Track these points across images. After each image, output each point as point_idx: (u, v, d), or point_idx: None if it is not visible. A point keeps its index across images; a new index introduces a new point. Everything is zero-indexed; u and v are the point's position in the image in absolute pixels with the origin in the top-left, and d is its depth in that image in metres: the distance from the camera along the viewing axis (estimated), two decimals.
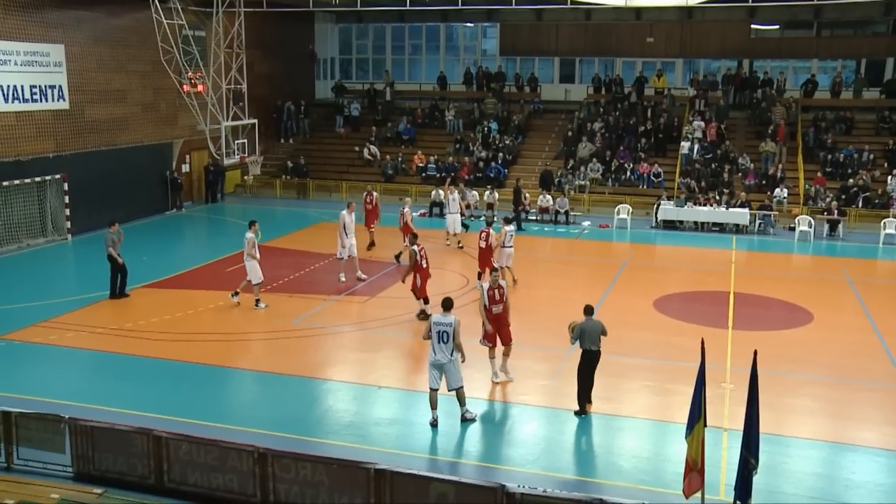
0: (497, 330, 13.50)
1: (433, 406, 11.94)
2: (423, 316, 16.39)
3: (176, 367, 14.28)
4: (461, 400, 12.06)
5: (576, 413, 12.32)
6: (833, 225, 26.99)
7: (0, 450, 10.41)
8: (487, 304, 13.36)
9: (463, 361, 12.03)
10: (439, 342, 11.72)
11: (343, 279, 19.84)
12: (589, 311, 12.33)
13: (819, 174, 29.54)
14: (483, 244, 18.75)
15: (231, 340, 15.46)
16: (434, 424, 11.91)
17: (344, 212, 19.96)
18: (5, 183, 22.50)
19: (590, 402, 12.51)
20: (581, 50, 38.16)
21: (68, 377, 13.98)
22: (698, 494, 8.96)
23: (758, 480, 8.88)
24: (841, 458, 11.44)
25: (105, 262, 18.03)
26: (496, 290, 13.43)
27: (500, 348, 13.66)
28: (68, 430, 10.12)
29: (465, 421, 12.03)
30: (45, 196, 24.05)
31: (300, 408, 12.82)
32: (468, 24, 40.20)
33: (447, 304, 11.92)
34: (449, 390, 11.93)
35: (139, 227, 26.63)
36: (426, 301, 16.69)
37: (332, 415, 12.60)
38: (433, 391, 11.90)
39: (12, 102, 22.99)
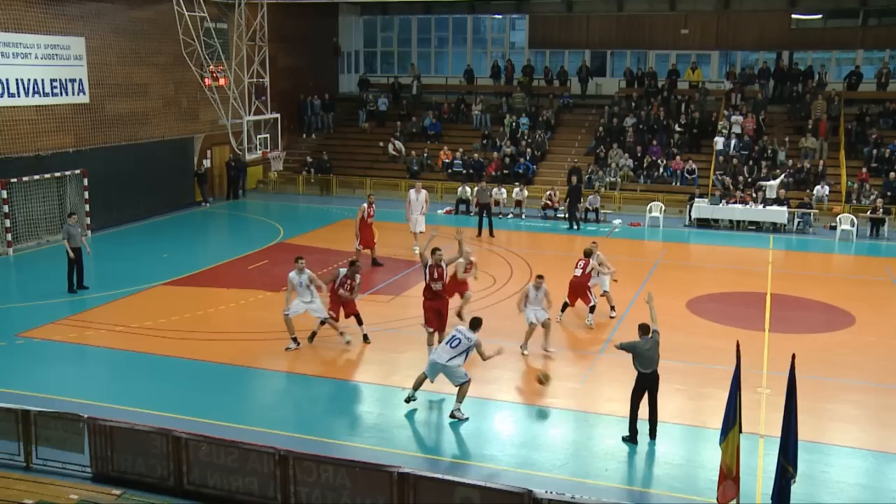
0: (439, 308, 14.46)
1: (415, 387, 12.48)
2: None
3: (196, 367, 14.40)
4: (459, 395, 12.24)
5: (623, 438, 11.64)
6: (877, 224, 26.61)
7: (20, 449, 10.55)
8: (427, 280, 14.30)
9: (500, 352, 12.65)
10: (447, 344, 12.21)
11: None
12: (644, 330, 11.53)
13: (863, 170, 29.11)
14: (579, 273, 16.77)
15: (252, 340, 15.55)
16: (408, 400, 12.49)
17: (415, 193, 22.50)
18: (25, 178, 22.80)
19: (652, 436, 11.61)
20: (613, 42, 37.91)
21: (87, 376, 14.16)
22: (733, 503, 8.88)
23: (796, 490, 8.78)
24: (886, 468, 11.26)
25: (124, 260, 18.20)
26: (435, 269, 14.38)
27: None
28: (87, 429, 10.23)
29: (454, 419, 12.17)
30: (64, 192, 24.36)
31: (322, 409, 12.89)
32: (496, 16, 40.13)
33: (474, 324, 12.43)
34: (455, 385, 12.31)
35: (160, 224, 26.94)
36: None
37: (355, 416, 12.64)
38: (425, 377, 12.41)
39: (32, 96, 23.30)
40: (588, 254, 16.89)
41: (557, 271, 21.81)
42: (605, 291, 17.37)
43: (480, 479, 9.30)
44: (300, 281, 14.95)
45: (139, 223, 26.61)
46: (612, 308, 17.38)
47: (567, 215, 27.40)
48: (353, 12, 40.70)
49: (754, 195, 27.74)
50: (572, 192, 27.49)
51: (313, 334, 15.33)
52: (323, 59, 38.83)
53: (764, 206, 27.18)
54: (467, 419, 12.19)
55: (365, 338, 15.57)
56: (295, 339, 15.02)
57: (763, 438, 11.58)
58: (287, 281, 15.09)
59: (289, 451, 9.53)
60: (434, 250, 14.77)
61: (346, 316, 15.45)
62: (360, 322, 15.54)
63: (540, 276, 14.98)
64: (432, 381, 12.43)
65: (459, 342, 12.07)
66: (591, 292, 16.71)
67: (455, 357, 12.05)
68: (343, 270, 15.38)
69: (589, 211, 28.49)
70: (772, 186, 27.94)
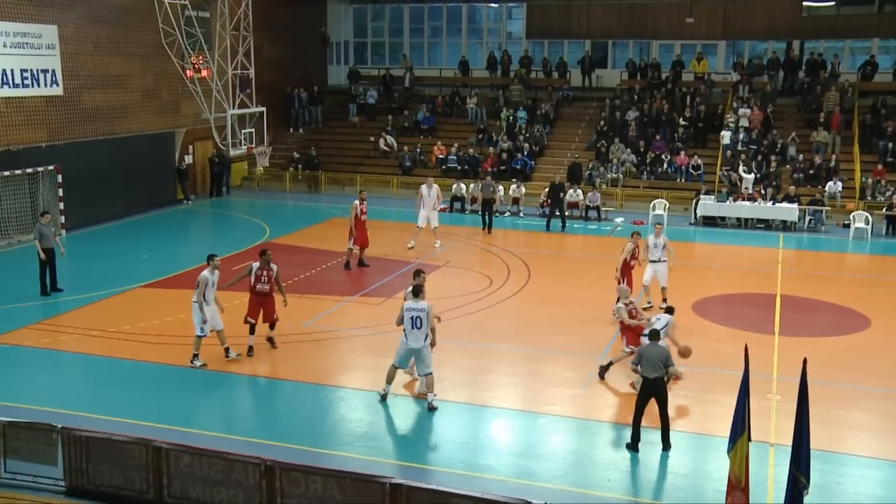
0: None
1: (388, 381, 12.98)
2: None
3: (177, 373, 14.33)
4: (429, 386, 12.76)
5: (627, 446, 11.68)
6: (893, 221, 26.65)
7: None
8: None
9: (433, 346, 12.83)
10: (413, 328, 12.56)
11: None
12: (653, 335, 11.91)
13: (879, 165, 29.16)
14: (627, 258, 17.54)
15: (236, 344, 15.47)
16: (383, 398, 12.95)
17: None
18: None
19: (666, 446, 11.61)
20: (614, 32, 38.01)
21: (62, 383, 14.08)
22: None
23: (809, 502, 8.76)
24: None
25: (101, 261, 18.10)
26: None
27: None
28: (61, 440, 10.16)
29: (431, 410, 12.62)
30: (37, 189, 24.25)
31: (310, 417, 12.83)
32: (492, 5, 40.17)
33: (417, 291, 12.80)
34: (419, 375, 13.02)
35: (139, 223, 26.87)
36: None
37: (345, 425, 12.60)
38: (394, 368, 12.95)
39: (2, 88, 23.14)
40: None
41: (558, 271, 21.84)
42: (644, 286, 17.83)
43: (476, 490, 9.26)
44: (213, 280, 14.44)
45: (117, 222, 26.52)
46: (664, 300, 17.50)
47: (559, 213, 27.22)
48: (342, 0, 40.67)
49: (762, 191, 27.80)
50: (553, 190, 27.15)
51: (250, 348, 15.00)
52: (310, 49, 38.80)
53: (773, 204, 27.22)
54: (437, 408, 12.65)
55: (270, 341, 15.17)
56: (197, 356, 14.48)
57: (773, 447, 11.57)
58: (198, 282, 14.21)
59: (275, 462, 9.49)
60: (418, 272, 13.78)
61: (265, 321, 14.99)
62: (272, 327, 15.10)
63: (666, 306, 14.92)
64: (399, 368, 13.01)
65: (420, 318, 12.51)
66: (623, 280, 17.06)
67: (427, 335, 12.57)
68: (256, 265, 14.89)
69: (589, 209, 28.49)
70: (748, 180, 28.08)
